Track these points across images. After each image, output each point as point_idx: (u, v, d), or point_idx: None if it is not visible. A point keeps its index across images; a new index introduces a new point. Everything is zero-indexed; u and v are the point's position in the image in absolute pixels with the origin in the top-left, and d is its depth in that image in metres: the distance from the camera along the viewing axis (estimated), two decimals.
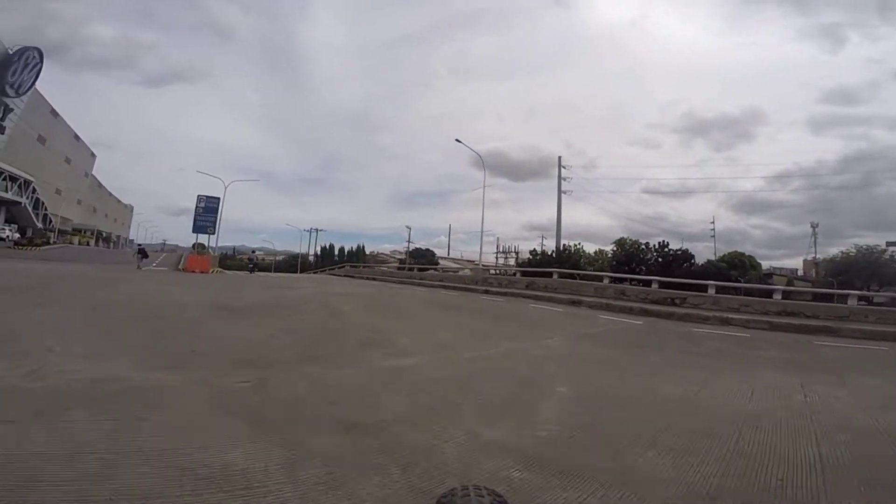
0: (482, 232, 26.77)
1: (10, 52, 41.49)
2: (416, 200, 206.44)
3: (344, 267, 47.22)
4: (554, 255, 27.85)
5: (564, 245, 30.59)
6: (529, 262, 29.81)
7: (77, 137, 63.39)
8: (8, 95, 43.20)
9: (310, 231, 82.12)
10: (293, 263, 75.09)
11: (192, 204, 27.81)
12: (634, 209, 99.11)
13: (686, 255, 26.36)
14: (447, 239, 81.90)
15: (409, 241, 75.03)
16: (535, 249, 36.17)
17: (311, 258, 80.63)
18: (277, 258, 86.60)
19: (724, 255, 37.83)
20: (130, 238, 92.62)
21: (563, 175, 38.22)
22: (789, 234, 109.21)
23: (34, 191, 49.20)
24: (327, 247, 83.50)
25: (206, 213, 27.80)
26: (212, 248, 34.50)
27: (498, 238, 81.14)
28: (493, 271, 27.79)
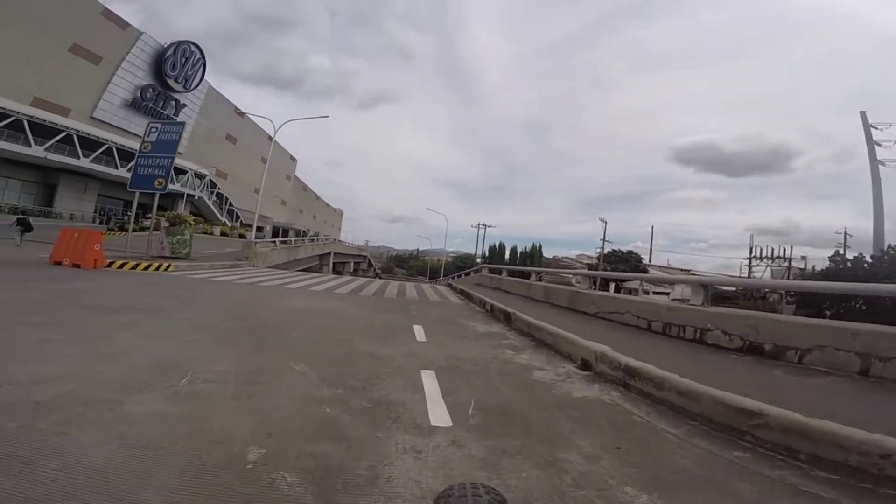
0: None
1: (164, 46, 42.00)
2: (604, 205, 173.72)
3: (480, 271, 29.17)
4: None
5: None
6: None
7: (271, 139, 67.54)
8: (174, 90, 44.43)
9: (476, 227, 68.71)
10: (459, 265, 62.74)
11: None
12: None
13: None
14: (646, 245, 55.12)
15: (603, 239, 51.37)
16: (836, 251, 28.97)
17: (478, 259, 66.95)
18: (448, 259, 76.89)
19: None
20: (340, 239, 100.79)
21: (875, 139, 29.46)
22: None
23: (212, 185, 51.12)
24: (497, 247, 68.00)
25: (158, 152, 15.40)
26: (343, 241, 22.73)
27: (752, 235, 59.25)
28: None
